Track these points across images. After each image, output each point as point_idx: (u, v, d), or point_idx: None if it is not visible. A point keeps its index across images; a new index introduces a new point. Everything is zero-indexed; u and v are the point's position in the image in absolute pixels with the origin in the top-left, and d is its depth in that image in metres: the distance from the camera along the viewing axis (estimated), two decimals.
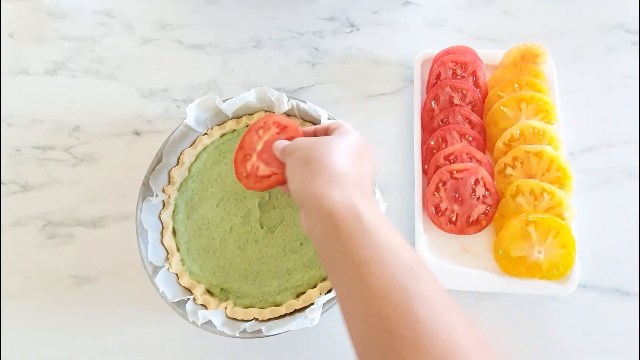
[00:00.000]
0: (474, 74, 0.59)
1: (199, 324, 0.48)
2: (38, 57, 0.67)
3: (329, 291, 0.49)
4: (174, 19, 0.68)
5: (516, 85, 0.57)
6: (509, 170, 0.54)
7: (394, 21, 0.67)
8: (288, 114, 0.56)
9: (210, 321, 0.48)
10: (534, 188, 0.52)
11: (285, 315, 0.49)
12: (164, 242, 0.53)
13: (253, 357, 0.53)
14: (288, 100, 0.54)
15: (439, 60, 0.59)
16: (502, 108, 0.56)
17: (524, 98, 0.55)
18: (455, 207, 0.54)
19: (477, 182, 0.53)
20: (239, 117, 0.57)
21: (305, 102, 0.54)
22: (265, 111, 0.57)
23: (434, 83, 0.59)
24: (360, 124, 0.54)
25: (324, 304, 0.47)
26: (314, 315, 0.46)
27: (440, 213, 0.54)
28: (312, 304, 0.48)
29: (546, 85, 0.57)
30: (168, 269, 0.51)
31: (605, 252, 0.54)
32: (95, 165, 0.62)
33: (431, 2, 0.67)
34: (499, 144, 0.55)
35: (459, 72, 0.59)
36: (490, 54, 0.60)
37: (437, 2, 0.67)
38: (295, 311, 0.49)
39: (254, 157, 0.48)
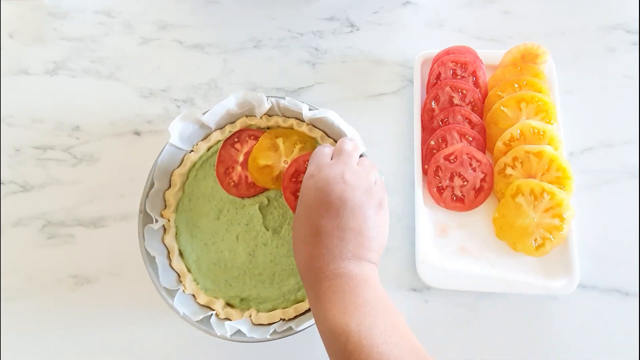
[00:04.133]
0: (474, 74, 0.59)
1: (228, 336, 0.47)
2: (38, 57, 0.67)
3: None
4: (173, 19, 0.68)
5: (516, 85, 0.57)
6: (509, 170, 0.54)
7: (394, 21, 0.67)
8: (269, 114, 0.56)
9: (239, 331, 0.48)
10: (534, 188, 0.52)
11: (309, 309, 0.49)
12: (172, 265, 0.52)
13: (253, 358, 0.53)
14: (267, 99, 0.53)
15: (439, 60, 0.59)
16: (502, 108, 0.56)
17: (524, 98, 0.55)
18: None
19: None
20: (222, 127, 0.56)
21: (284, 98, 0.53)
22: (247, 116, 0.56)
23: (434, 83, 0.59)
24: (360, 124, 0.54)
25: None
26: None
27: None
28: None
29: (546, 85, 0.57)
30: (183, 290, 0.51)
31: (605, 252, 0.54)
32: (95, 165, 0.62)
33: (431, 2, 0.67)
34: (499, 144, 0.55)
35: (459, 72, 0.59)
36: (490, 54, 0.60)
37: (437, 2, 0.67)
38: None
39: (238, 168, 0.54)
